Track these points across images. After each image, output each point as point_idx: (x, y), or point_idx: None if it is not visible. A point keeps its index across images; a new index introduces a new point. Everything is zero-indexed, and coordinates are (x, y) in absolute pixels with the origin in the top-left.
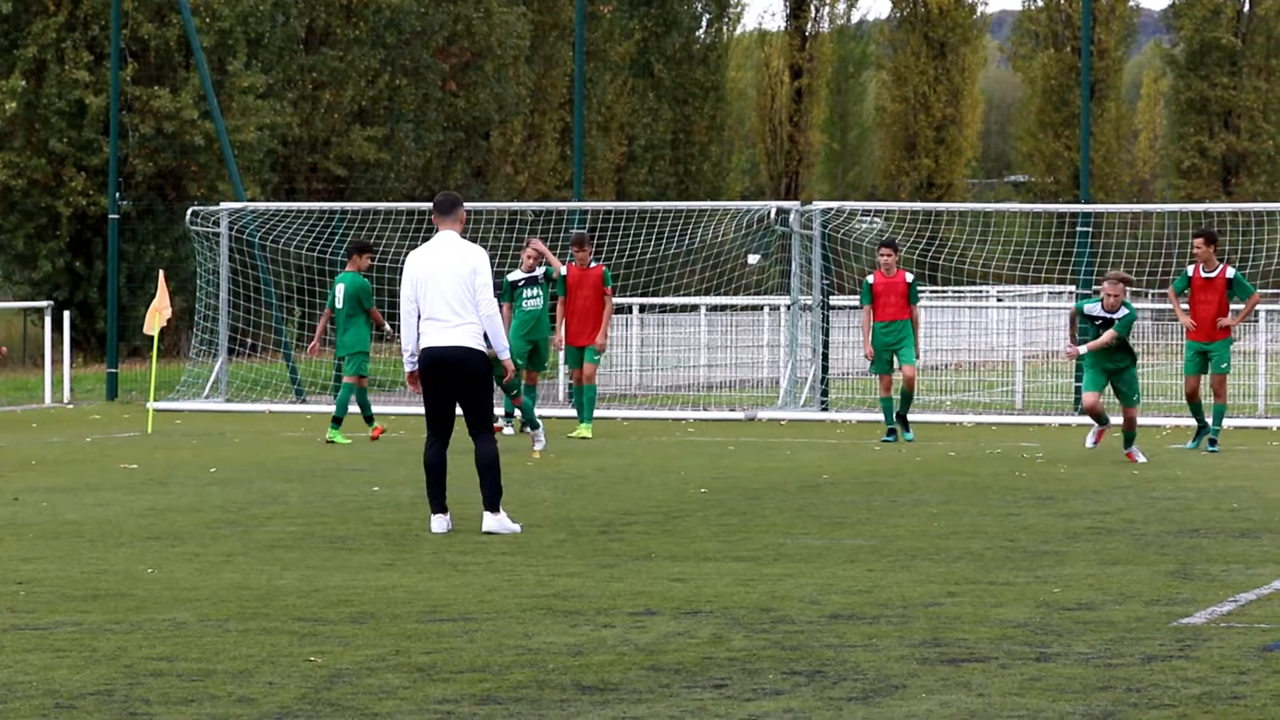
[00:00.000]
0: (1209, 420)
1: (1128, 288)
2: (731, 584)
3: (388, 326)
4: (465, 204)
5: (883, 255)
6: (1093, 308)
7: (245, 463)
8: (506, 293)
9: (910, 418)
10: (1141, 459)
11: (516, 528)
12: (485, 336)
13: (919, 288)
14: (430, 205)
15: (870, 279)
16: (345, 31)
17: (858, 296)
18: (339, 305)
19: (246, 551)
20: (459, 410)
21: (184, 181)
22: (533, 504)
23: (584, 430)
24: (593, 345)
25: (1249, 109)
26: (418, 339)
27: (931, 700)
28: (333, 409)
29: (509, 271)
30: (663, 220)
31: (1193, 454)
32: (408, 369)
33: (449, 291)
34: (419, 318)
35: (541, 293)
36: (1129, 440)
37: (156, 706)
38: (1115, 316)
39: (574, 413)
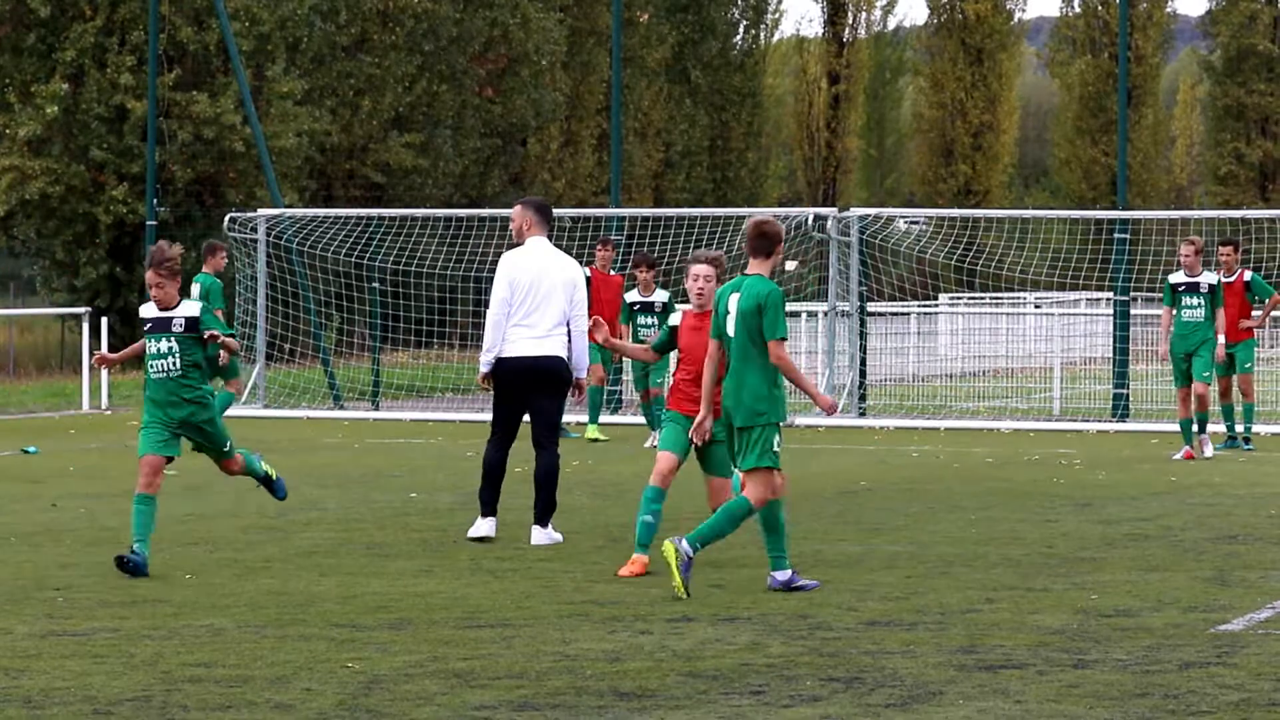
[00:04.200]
0: (1237, 423)
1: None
2: (769, 590)
3: None
4: (501, 210)
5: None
6: (1176, 276)
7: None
8: (625, 314)
9: (947, 424)
10: (1208, 452)
11: (559, 537)
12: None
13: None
14: (472, 211)
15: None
16: (382, 37)
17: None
18: None
19: (284, 558)
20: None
21: (222, 188)
22: (571, 510)
23: (594, 431)
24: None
25: None
26: (502, 340)
27: (969, 707)
28: (368, 415)
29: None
30: (700, 226)
31: (1228, 459)
32: (485, 369)
33: (549, 301)
34: (508, 322)
35: (658, 320)
36: (1203, 424)
37: (194, 713)
38: (1200, 280)
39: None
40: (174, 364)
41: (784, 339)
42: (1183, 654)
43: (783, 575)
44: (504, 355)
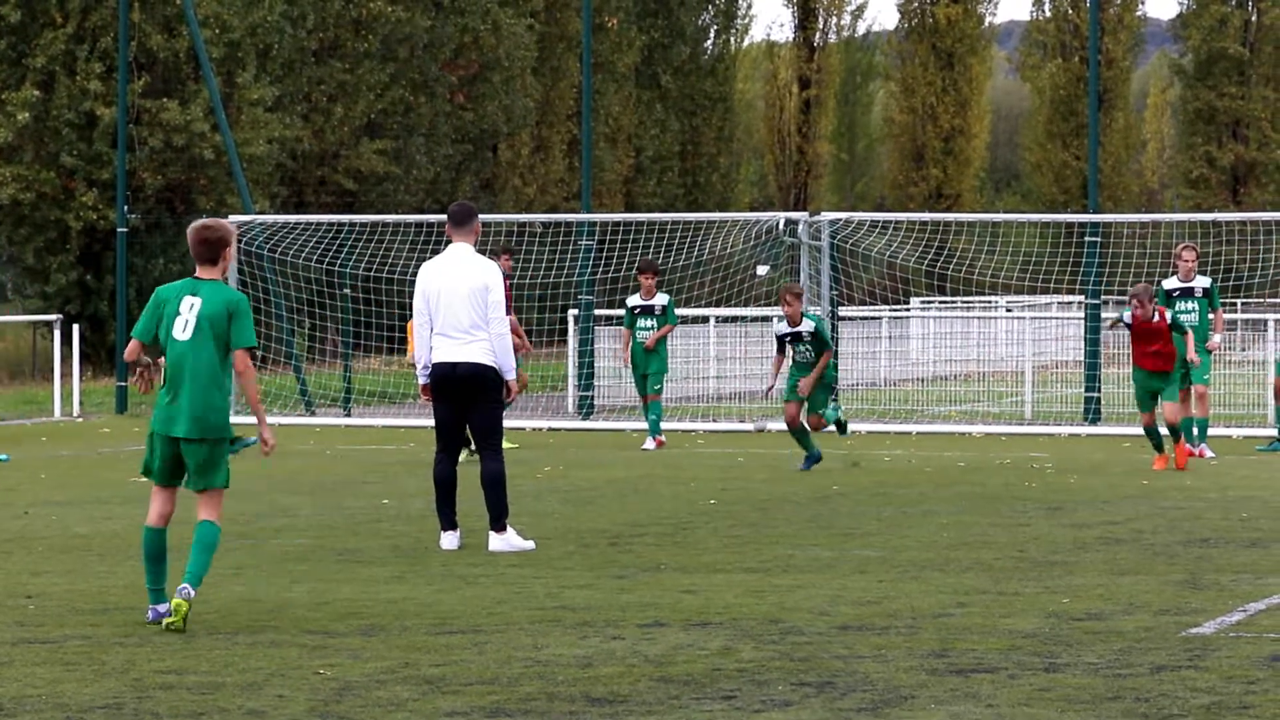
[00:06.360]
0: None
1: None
2: (741, 595)
3: None
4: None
5: None
6: (1170, 282)
7: (255, 475)
8: (627, 318)
9: (919, 428)
10: (1209, 454)
11: (528, 545)
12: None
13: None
14: (443, 216)
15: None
16: (354, 44)
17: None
18: None
19: (256, 564)
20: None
21: (193, 195)
22: (542, 516)
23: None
24: None
25: (1257, 119)
26: (430, 352)
27: (940, 711)
28: (339, 421)
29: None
30: (671, 231)
31: (1202, 463)
32: (421, 381)
33: (461, 308)
34: (430, 331)
35: (656, 323)
36: (1203, 430)
37: None
38: (1194, 285)
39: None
40: None
41: (253, 348)
42: (1154, 657)
43: (164, 608)
44: (431, 363)
